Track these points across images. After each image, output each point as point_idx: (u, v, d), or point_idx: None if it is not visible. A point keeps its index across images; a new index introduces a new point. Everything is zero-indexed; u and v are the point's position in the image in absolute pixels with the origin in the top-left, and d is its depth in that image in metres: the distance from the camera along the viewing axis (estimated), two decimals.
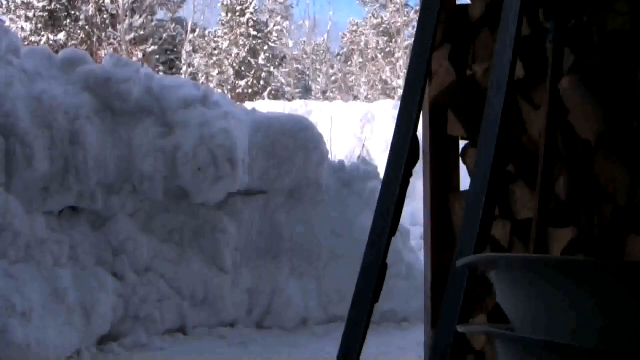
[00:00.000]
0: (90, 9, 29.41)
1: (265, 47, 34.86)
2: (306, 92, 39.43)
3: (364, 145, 16.81)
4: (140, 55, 27.98)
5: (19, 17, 28.49)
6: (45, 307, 6.15)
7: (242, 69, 33.90)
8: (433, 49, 2.99)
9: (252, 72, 33.89)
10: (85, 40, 28.95)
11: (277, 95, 34.26)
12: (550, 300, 1.34)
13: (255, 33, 34.45)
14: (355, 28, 42.39)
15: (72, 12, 29.43)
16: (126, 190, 7.07)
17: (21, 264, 6.21)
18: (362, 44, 40.87)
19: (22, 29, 27.85)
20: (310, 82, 41.50)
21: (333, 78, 42.00)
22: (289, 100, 27.96)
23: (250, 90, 33.34)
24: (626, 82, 2.35)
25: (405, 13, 39.08)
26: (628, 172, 2.28)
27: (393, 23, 39.49)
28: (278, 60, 37.15)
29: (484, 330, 2.38)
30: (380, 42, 39.60)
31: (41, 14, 28.56)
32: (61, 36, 28.41)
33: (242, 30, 34.14)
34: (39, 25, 28.55)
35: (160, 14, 34.26)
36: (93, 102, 6.94)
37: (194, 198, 7.21)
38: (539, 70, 2.66)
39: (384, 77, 38.23)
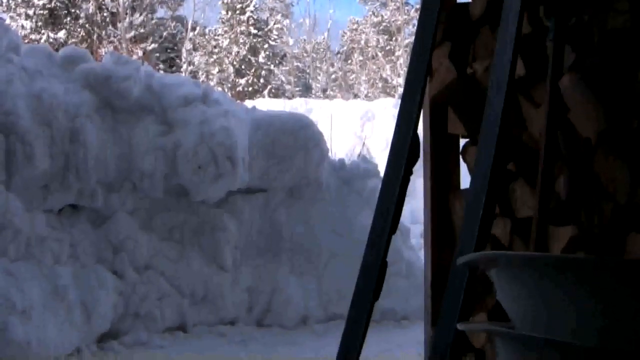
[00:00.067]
0: (91, 7, 29.40)
1: (266, 45, 34.83)
2: (306, 90, 39.42)
3: (364, 143, 16.79)
4: (140, 53, 27.96)
5: (19, 15, 28.48)
6: (45, 305, 6.15)
7: (243, 67, 33.89)
8: (433, 47, 2.98)
9: (252, 70, 33.88)
10: (85, 39, 28.94)
11: (277, 93, 34.26)
12: (550, 298, 1.34)
13: (255, 31, 34.43)
14: (355, 26, 42.36)
15: (72, 10, 29.42)
16: (126, 188, 7.07)
17: (21, 262, 6.21)
18: (363, 42, 40.85)
19: (22, 27, 27.84)
20: (310, 80, 41.48)
21: (333, 76, 41.98)
22: (289, 98, 27.96)
23: (250, 89, 33.33)
24: (626, 81, 2.34)
25: (406, 11, 39.05)
26: (628, 170, 2.28)
27: (393, 21, 39.46)
28: (278, 58, 37.14)
29: (484, 328, 2.38)
30: (381, 40, 39.57)
31: (41, 12, 28.55)
32: (61, 34, 28.39)
33: (243, 28, 34.12)
34: (39, 24, 28.53)
35: (161, 12, 34.26)
36: (93, 100, 6.94)
37: (194, 196, 7.21)
38: (539, 69, 2.65)
39: (384, 76, 38.22)
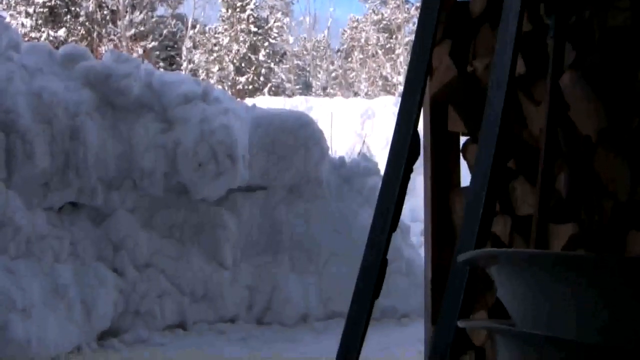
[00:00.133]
0: (91, 5, 29.39)
1: (266, 44, 34.82)
2: (306, 88, 39.41)
3: (364, 141, 16.81)
4: (140, 51, 27.95)
5: (19, 13, 28.46)
6: (45, 302, 6.16)
7: (243, 65, 33.88)
8: (434, 45, 2.98)
9: (253, 68, 33.87)
10: (85, 37, 28.92)
11: (277, 91, 34.24)
12: (551, 295, 1.34)
13: (255, 29, 34.41)
14: (355, 24, 42.36)
15: (72, 8, 29.40)
16: (126, 186, 7.08)
17: (21, 260, 6.22)
18: (363, 40, 40.84)
19: (23, 25, 27.82)
20: (310, 79, 41.47)
21: (333, 74, 41.97)
22: (289, 96, 27.96)
23: (250, 87, 33.32)
24: (627, 79, 2.34)
25: (406, 9, 39.05)
26: (629, 168, 2.28)
27: (393, 19, 39.45)
28: (278, 56, 37.12)
29: (485, 326, 2.38)
30: (381, 39, 39.56)
31: (41, 10, 28.53)
32: (61, 32, 28.36)
33: (243, 26, 34.10)
34: (39, 22, 28.52)
35: (161, 10, 34.24)
36: (93, 98, 6.95)
37: (194, 194, 7.21)
38: (539, 66, 2.65)
39: (384, 74, 38.21)
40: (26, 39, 24.93)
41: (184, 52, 33.47)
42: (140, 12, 30.42)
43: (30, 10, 28.44)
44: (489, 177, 2.43)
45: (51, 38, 27.23)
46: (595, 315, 1.28)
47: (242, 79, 33.56)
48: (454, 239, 2.99)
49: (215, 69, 33.69)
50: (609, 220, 2.35)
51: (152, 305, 7.02)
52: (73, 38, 28.22)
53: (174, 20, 34.36)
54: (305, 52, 42.50)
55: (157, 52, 31.91)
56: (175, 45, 34.12)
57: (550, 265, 1.36)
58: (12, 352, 5.72)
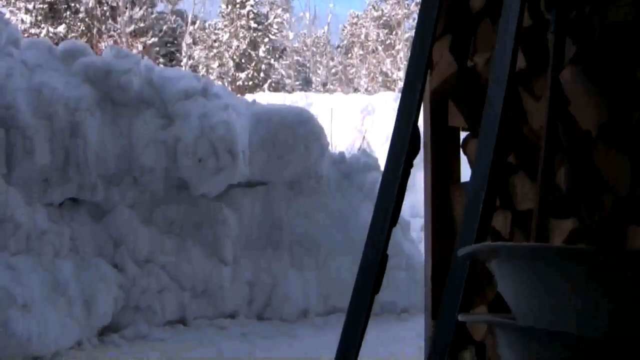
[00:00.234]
0: (90, 1, 29.36)
1: (266, 39, 34.81)
2: (306, 84, 39.40)
3: (364, 137, 16.81)
4: (140, 47, 27.94)
5: (19, 9, 28.43)
6: (46, 298, 6.16)
7: (243, 61, 33.86)
8: (434, 40, 2.98)
9: (253, 64, 33.86)
10: (85, 33, 28.90)
11: (277, 87, 34.23)
12: (552, 289, 1.34)
13: (255, 25, 34.39)
14: (355, 20, 42.34)
15: (72, 5, 29.38)
16: (126, 182, 7.08)
17: (22, 256, 6.22)
18: (363, 36, 40.83)
19: (22, 21, 27.79)
20: (310, 74, 41.46)
21: (333, 70, 41.97)
22: (289, 92, 27.94)
23: (250, 83, 33.31)
24: (627, 73, 2.34)
25: (406, 5, 39.03)
26: (629, 163, 2.28)
27: (393, 15, 39.43)
28: (278, 52, 37.10)
29: (486, 320, 2.38)
30: (381, 35, 39.56)
31: (41, 6, 28.50)
32: (61, 29, 28.35)
33: (243, 22, 34.08)
34: (39, 18, 28.49)
35: (160, 6, 34.20)
36: (93, 93, 6.94)
37: (195, 189, 7.21)
38: (540, 61, 2.65)
39: (384, 69, 38.20)
40: (26, 35, 24.92)
41: (184, 48, 33.45)
42: (140, 8, 30.40)
43: (30, 6, 28.42)
44: (489, 172, 2.43)
45: (51, 34, 27.21)
46: (597, 309, 1.28)
47: (242, 75, 33.55)
48: (454, 234, 2.99)
49: (215, 65, 33.68)
50: (609, 215, 2.35)
51: (153, 300, 7.02)
52: (73, 34, 28.21)
53: (174, 17, 34.33)
54: (305, 48, 42.48)
55: (157, 48, 31.89)
56: (175, 42, 34.10)
57: (551, 258, 1.36)
58: (13, 348, 5.72)
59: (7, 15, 26.36)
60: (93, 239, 6.86)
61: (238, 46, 33.78)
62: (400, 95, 3.03)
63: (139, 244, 7.02)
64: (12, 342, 5.72)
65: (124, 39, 28.81)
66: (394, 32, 38.99)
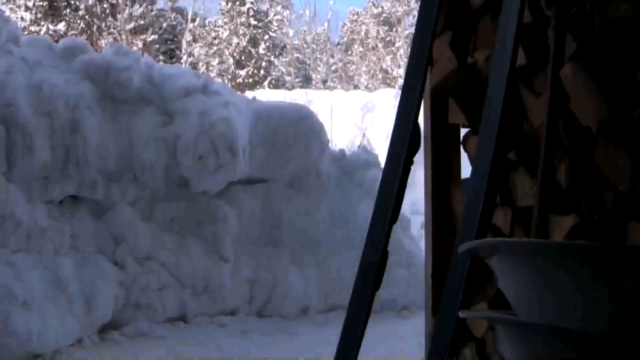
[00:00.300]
0: None
1: (266, 37, 34.79)
2: (306, 82, 39.38)
3: (364, 134, 16.80)
4: (140, 44, 27.91)
5: (19, 6, 28.39)
6: (46, 296, 6.16)
7: (243, 58, 33.85)
8: (434, 37, 2.98)
9: (253, 61, 33.84)
10: (85, 30, 28.88)
11: (277, 84, 34.22)
12: (553, 285, 1.34)
13: (255, 22, 34.37)
14: (355, 17, 42.32)
15: (72, 2, 29.35)
16: (127, 179, 7.07)
17: (22, 253, 6.22)
18: (363, 33, 40.81)
19: (22, 18, 27.76)
20: (310, 72, 41.44)
21: (333, 67, 41.94)
22: (289, 89, 27.93)
23: (250, 80, 33.30)
24: (627, 70, 2.34)
25: (406, 2, 39.00)
26: (629, 159, 2.28)
27: (393, 12, 39.41)
28: (278, 49, 37.08)
29: (487, 316, 2.39)
30: (381, 32, 39.53)
31: (40, 3, 28.47)
32: (61, 26, 28.32)
33: (243, 19, 34.06)
34: (39, 15, 28.45)
35: (160, 3, 34.17)
36: (93, 91, 6.94)
37: (195, 187, 7.21)
38: (540, 58, 2.65)
39: (384, 67, 38.18)
40: (26, 32, 24.89)
41: (184, 46, 33.43)
42: (140, 6, 30.38)
43: (30, 4, 28.39)
44: (490, 169, 2.43)
45: (50, 32, 27.17)
46: (599, 305, 1.28)
47: (242, 72, 33.54)
48: (455, 231, 2.99)
49: (215, 62, 33.67)
50: (609, 211, 2.35)
51: (153, 298, 7.02)
52: (73, 32, 28.18)
53: (174, 14, 34.32)
54: (305, 45, 42.46)
55: (157, 46, 31.87)
56: (175, 39, 34.08)
57: (552, 255, 1.36)
58: (13, 346, 5.72)
59: (7, 13, 26.35)
60: (93, 236, 6.86)
61: (238, 43, 33.77)
62: (400, 92, 3.03)
63: (139, 241, 7.02)
64: (13, 339, 5.72)
65: (123, 37, 28.79)
66: (394, 29, 38.97)
